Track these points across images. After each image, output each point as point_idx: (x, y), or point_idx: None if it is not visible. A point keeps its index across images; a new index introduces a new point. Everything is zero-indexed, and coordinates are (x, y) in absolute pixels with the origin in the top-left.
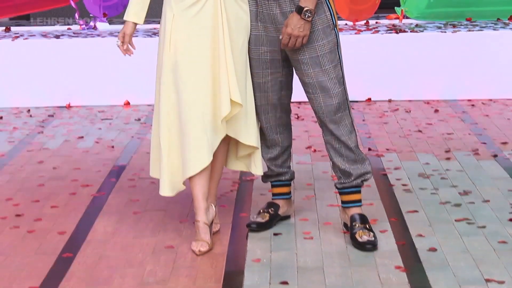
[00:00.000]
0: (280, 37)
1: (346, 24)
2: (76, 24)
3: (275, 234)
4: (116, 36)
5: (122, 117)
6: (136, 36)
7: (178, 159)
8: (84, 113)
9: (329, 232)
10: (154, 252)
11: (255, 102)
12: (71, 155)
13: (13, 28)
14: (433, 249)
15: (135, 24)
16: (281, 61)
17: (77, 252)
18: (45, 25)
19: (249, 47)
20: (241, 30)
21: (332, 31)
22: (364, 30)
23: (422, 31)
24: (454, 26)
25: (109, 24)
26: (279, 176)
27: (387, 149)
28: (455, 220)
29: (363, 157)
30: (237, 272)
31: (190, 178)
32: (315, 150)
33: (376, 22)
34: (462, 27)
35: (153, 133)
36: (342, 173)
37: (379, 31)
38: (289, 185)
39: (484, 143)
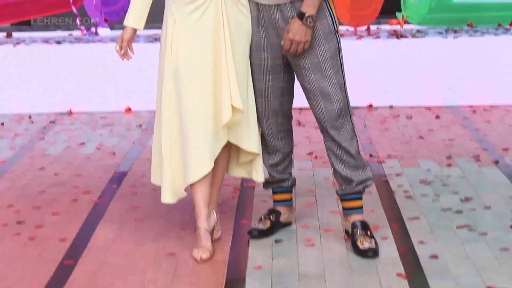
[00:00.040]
0: (282, 42)
1: (347, 30)
2: (77, 29)
3: (276, 241)
4: None
5: (123, 123)
6: (138, 41)
7: (179, 166)
8: (85, 119)
9: (331, 239)
10: (156, 259)
11: (256, 108)
12: (72, 161)
13: (14, 34)
14: (435, 256)
15: (135, 29)
16: (283, 67)
17: (78, 259)
18: (46, 31)
19: (250, 53)
20: (243, 35)
21: (334, 37)
22: (365, 36)
23: (423, 37)
24: (455, 31)
25: (111, 29)
26: (280, 182)
27: (389, 155)
28: (457, 227)
29: (364, 164)
30: (238, 279)
31: (192, 185)
32: (316, 156)
33: (377, 28)
34: (463, 32)
35: (155, 140)
36: (344, 179)
37: (380, 36)
38: (291, 191)
39: (486, 149)
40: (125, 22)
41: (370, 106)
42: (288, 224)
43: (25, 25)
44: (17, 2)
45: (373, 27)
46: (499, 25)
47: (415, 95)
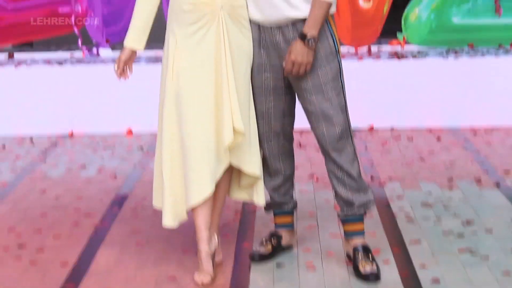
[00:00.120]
0: (284, 64)
1: (348, 51)
2: (79, 50)
3: (277, 265)
4: None
5: (124, 146)
6: (139, 62)
7: (180, 189)
8: (86, 141)
9: (332, 263)
10: (157, 284)
11: (257, 130)
12: (73, 184)
13: (16, 55)
14: (436, 280)
15: (134, 50)
16: (284, 88)
17: (79, 283)
18: (48, 51)
19: (251, 74)
20: (244, 57)
21: (335, 58)
22: (366, 57)
23: (424, 57)
24: (456, 52)
25: (112, 50)
26: (281, 205)
27: (390, 178)
28: (458, 251)
29: (366, 186)
30: None
31: (193, 208)
32: (317, 179)
33: (378, 49)
34: (463, 53)
35: (156, 162)
36: (345, 202)
37: (381, 57)
38: (292, 214)
39: (487, 172)
40: (124, 43)
41: (371, 128)
42: (289, 247)
43: (26, 45)
44: (19, 23)
45: (374, 48)
46: (500, 46)
47: (416, 116)
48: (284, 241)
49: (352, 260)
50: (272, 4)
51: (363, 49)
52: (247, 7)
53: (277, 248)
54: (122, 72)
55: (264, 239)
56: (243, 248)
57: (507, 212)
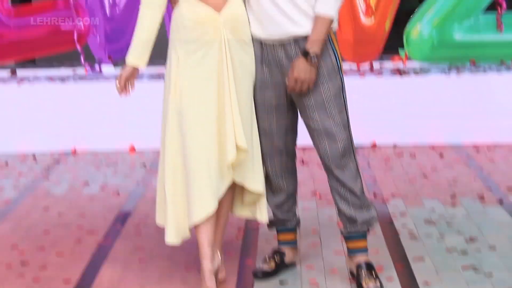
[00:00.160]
0: (287, 81)
1: (350, 68)
2: (81, 66)
3: (281, 282)
4: None
5: (127, 163)
6: (141, 79)
7: (183, 206)
8: (89, 158)
9: (335, 280)
10: None
11: (260, 147)
12: (76, 201)
13: (18, 71)
14: None
15: (135, 67)
16: (286, 105)
17: None
18: (50, 67)
19: (254, 92)
20: (246, 74)
21: (338, 75)
22: (368, 73)
23: (426, 73)
24: (458, 68)
25: (114, 67)
26: (284, 222)
27: (393, 195)
28: (462, 268)
29: (369, 203)
30: None
31: (196, 225)
32: (320, 196)
33: (380, 65)
34: (465, 69)
35: (159, 180)
36: (348, 219)
37: (383, 74)
38: (295, 231)
39: (490, 189)
40: (126, 60)
41: (374, 145)
42: (292, 264)
43: (29, 62)
44: (21, 40)
45: (376, 64)
46: (502, 62)
47: (418, 133)
48: (287, 258)
49: (355, 277)
50: (274, 21)
51: (365, 66)
52: (249, 24)
53: (280, 265)
54: (124, 88)
55: (267, 256)
56: (246, 265)
57: (510, 229)
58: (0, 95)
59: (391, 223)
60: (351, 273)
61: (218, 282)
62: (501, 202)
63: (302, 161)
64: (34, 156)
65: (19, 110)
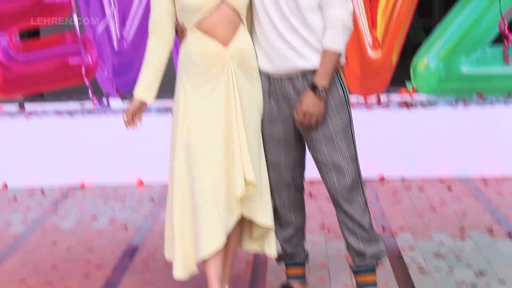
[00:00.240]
0: (295, 115)
1: (358, 101)
2: (89, 99)
3: None
4: None
5: (135, 197)
6: (149, 113)
7: (191, 241)
8: (97, 192)
9: None
10: None
11: (268, 181)
12: (84, 235)
13: (26, 105)
14: None
15: (143, 101)
16: (294, 139)
17: None
18: (58, 101)
19: (262, 125)
20: (254, 108)
21: (345, 108)
22: (376, 106)
23: (433, 106)
24: (465, 101)
25: (122, 101)
26: (293, 256)
27: (401, 228)
28: None
29: (377, 236)
30: None
31: (204, 259)
32: (329, 230)
33: (388, 98)
34: (473, 102)
35: (168, 214)
36: (356, 252)
37: (390, 106)
38: (304, 265)
39: (499, 222)
40: (134, 94)
41: (382, 178)
42: None
43: (37, 96)
44: (30, 74)
45: (383, 97)
46: (509, 94)
47: (426, 166)
48: None
49: None
50: (282, 55)
51: (372, 99)
52: (256, 58)
53: None
54: (131, 122)
55: None
56: None
57: None
58: (8, 129)
59: (399, 256)
60: None
61: None
62: (510, 235)
63: (310, 195)
64: (42, 190)
65: (27, 144)
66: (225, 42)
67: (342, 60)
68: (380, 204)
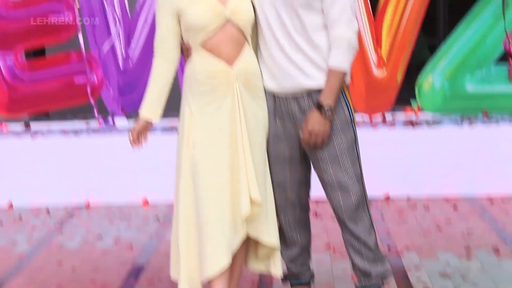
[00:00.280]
0: (301, 134)
1: (363, 120)
2: (95, 118)
3: None
4: None
5: (140, 216)
6: (155, 132)
7: (197, 260)
8: (102, 212)
9: None
10: None
11: (274, 200)
12: (90, 255)
13: (32, 124)
14: None
15: (149, 121)
16: (300, 158)
17: None
18: (64, 120)
19: (267, 144)
20: (260, 127)
21: (350, 128)
22: (381, 125)
23: (438, 124)
24: (470, 120)
25: (128, 120)
26: (298, 276)
27: (407, 247)
28: None
29: (382, 256)
30: None
31: (210, 280)
32: (334, 249)
33: (393, 117)
34: (478, 121)
35: (173, 233)
36: (362, 272)
37: (395, 125)
38: (309, 285)
39: (505, 241)
40: (140, 113)
41: (387, 197)
42: None
43: (43, 115)
44: (35, 93)
45: (388, 116)
46: None
47: (432, 185)
48: None
49: None
50: (287, 74)
51: (378, 117)
52: (261, 77)
53: None
54: (137, 141)
55: None
56: None
57: None
58: (14, 148)
59: (405, 276)
60: None
61: None
62: None
63: (316, 214)
64: (47, 210)
65: (32, 163)
66: (230, 61)
67: (347, 79)
68: (386, 223)
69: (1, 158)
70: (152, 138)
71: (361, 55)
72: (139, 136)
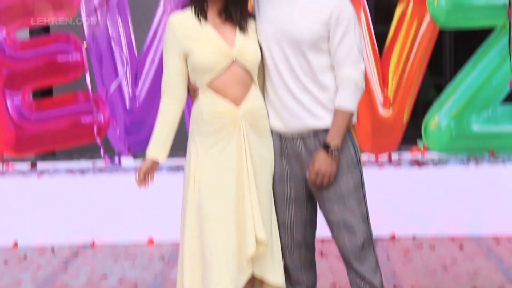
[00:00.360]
0: (307, 175)
1: (368, 159)
2: (101, 158)
3: None
4: None
5: (145, 256)
6: (161, 172)
7: None
8: (107, 251)
9: None
10: None
11: (279, 240)
12: None
13: (38, 164)
14: None
15: (155, 161)
16: (305, 198)
17: None
18: (70, 159)
19: (273, 184)
20: (266, 167)
21: (357, 168)
22: (387, 164)
23: (444, 164)
24: (476, 159)
25: (134, 159)
26: None
27: None
28: None
29: None
30: None
31: None
32: None
33: (399, 156)
34: (484, 160)
35: (178, 273)
36: None
37: (401, 164)
38: None
39: (511, 281)
40: (146, 153)
41: (393, 237)
42: None
43: (49, 154)
44: (42, 133)
45: (394, 156)
46: None
47: (438, 224)
48: None
49: None
50: (293, 114)
51: (384, 157)
52: (268, 117)
53: None
54: (143, 181)
55: None
56: None
57: None
58: (20, 187)
59: None
60: None
61: None
62: None
63: (321, 253)
64: (52, 249)
65: (38, 202)
66: (237, 101)
67: (354, 119)
68: (391, 263)
69: (7, 197)
70: (158, 178)
71: (367, 95)
72: (145, 175)
